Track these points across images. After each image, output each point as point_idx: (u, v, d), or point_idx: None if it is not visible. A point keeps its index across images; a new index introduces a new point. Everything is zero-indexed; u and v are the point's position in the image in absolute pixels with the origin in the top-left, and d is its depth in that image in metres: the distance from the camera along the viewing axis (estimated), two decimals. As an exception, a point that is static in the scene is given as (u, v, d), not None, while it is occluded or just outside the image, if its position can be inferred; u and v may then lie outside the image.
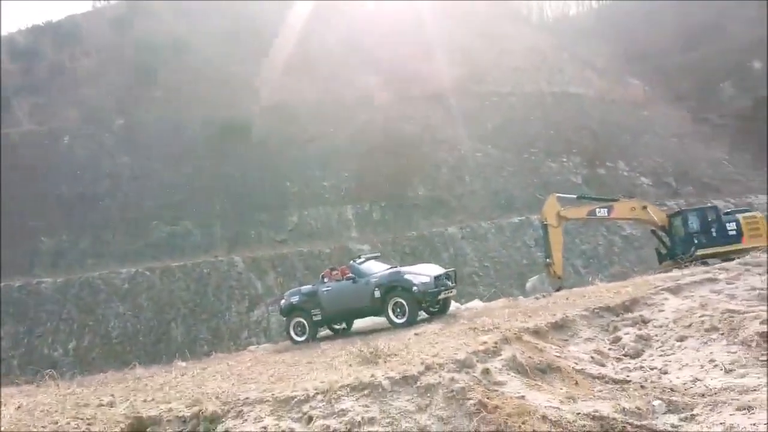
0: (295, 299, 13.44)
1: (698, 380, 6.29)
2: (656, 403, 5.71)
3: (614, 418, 5.45)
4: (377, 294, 12.05)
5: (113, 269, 28.45)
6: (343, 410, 6.04)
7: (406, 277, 11.99)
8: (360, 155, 34.18)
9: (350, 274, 12.88)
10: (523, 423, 5.36)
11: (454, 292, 12.84)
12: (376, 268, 13.05)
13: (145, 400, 7.26)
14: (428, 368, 6.54)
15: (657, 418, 5.50)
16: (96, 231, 30.23)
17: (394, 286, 12.01)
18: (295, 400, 6.41)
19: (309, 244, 30.46)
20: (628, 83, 45.50)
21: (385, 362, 7.15)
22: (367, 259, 13.81)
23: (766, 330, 6.62)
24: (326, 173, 33.89)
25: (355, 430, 5.74)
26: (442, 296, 12.18)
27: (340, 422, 5.87)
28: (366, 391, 6.27)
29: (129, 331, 26.60)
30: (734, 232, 20.20)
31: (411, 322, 11.50)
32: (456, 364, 6.63)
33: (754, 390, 5.66)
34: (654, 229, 22.06)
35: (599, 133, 38.03)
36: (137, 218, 30.58)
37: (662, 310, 8.17)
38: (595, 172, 35.55)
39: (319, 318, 13.00)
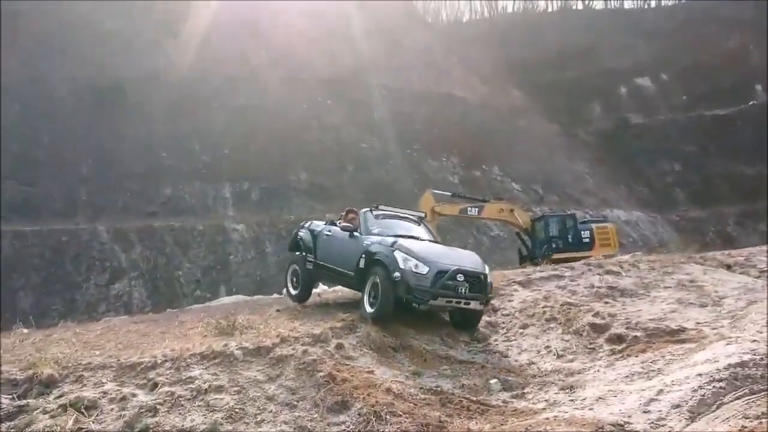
0: (301, 233, 10.29)
1: (533, 363, 6.83)
2: (492, 381, 6.13)
3: (453, 393, 5.79)
4: (362, 263, 8.45)
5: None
6: (190, 377, 5.93)
7: (396, 254, 7.93)
8: (242, 133, 33.30)
9: (349, 225, 9.32)
10: (368, 395, 5.54)
11: (477, 304, 8.01)
12: (391, 230, 9.12)
13: (-28, 362, 6.70)
14: (283, 340, 6.59)
15: (492, 394, 5.90)
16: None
17: (377, 260, 8.18)
18: (142, 366, 6.20)
19: (181, 220, 29.30)
20: (508, 92, 47.85)
21: (242, 334, 7.11)
22: (395, 217, 9.84)
23: (595, 321, 7.31)
24: (205, 148, 32.71)
25: (201, 396, 5.66)
26: (444, 303, 7.84)
27: (186, 389, 5.76)
28: (217, 360, 6.21)
29: (-33, 297, 24.22)
30: (588, 240, 21.96)
31: (380, 317, 7.70)
32: (311, 338, 6.74)
33: (579, 372, 6.24)
34: (518, 231, 23.48)
35: (478, 137, 39.68)
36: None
37: (511, 300, 8.76)
38: (472, 174, 37.15)
39: (311, 267, 9.77)
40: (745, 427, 3.98)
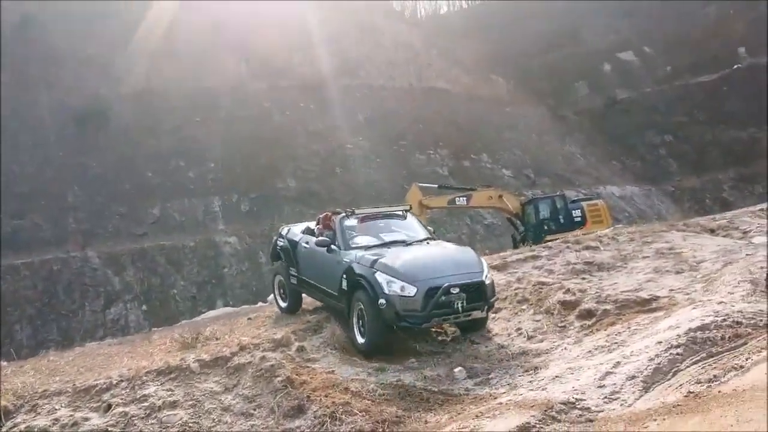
0: (280, 243, 9.22)
1: (503, 347, 6.62)
2: (457, 370, 5.92)
3: (415, 386, 5.60)
4: (344, 284, 7.32)
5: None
6: (145, 396, 5.76)
7: (378, 276, 6.83)
8: (228, 145, 33.16)
9: (325, 237, 8.03)
10: (326, 396, 5.35)
11: (479, 313, 6.97)
12: (373, 236, 8.03)
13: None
14: (242, 348, 6.40)
15: (456, 383, 5.70)
16: None
17: (358, 283, 7.07)
18: (96, 388, 6.03)
19: (172, 238, 29.12)
20: (492, 81, 47.61)
21: (203, 346, 6.93)
22: (377, 217, 8.61)
23: (566, 299, 7.10)
24: (191, 164, 32.54)
25: (154, 414, 5.48)
26: (441, 321, 6.90)
27: (140, 408, 5.59)
28: (173, 375, 6.03)
29: (-36, 337, 24.09)
30: (579, 219, 21.75)
31: (371, 350, 6.85)
32: (272, 343, 6.56)
33: (546, 352, 6.04)
34: (509, 217, 23.29)
35: (465, 127, 39.49)
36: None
37: (484, 286, 8.50)
38: (461, 165, 36.92)
39: (294, 282, 8.73)
40: (692, 392, 3.78)
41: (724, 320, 4.87)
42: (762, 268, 6.87)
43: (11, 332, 24.71)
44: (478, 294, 6.87)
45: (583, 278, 8.50)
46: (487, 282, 7.05)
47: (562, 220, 21.75)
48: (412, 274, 6.77)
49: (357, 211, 8.52)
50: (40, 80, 34.20)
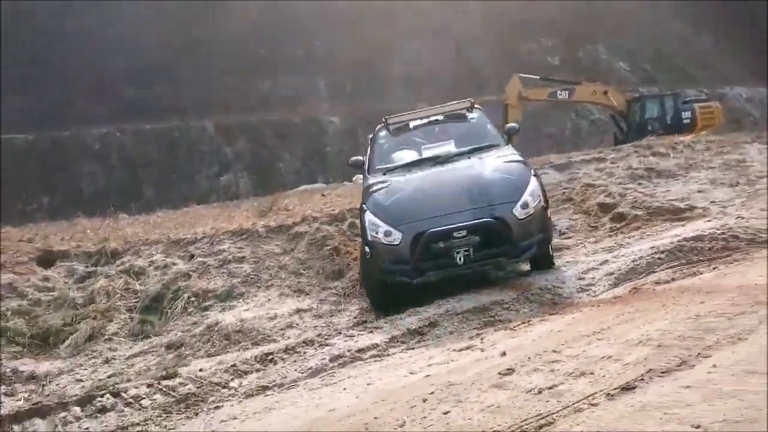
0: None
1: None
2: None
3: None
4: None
5: (84, 129, 28.81)
6: (220, 250, 6.98)
7: (366, 216, 5.38)
8: (335, 24, 33.58)
9: (358, 158, 6.79)
10: (363, 263, 6.29)
11: (502, 261, 5.26)
12: (410, 149, 6.40)
13: (63, 239, 8.16)
14: (303, 219, 7.44)
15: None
16: (64, 92, 29.92)
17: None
18: (185, 241, 7.33)
19: (278, 113, 30.75)
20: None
21: (275, 215, 8.05)
22: (422, 125, 6.73)
23: (604, 201, 7.48)
24: (299, 41, 33.44)
25: (225, 265, 6.70)
26: (445, 272, 5.09)
27: (215, 260, 6.83)
28: (244, 236, 7.20)
29: (101, 188, 27.44)
30: (689, 121, 20.75)
31: (374, 305, 5.52)
32: (329, 217, 7.53)
33: (568, 248, 6.56)
34: (613, 114, 22.57)
35: (581, 15, 37.15)
36: (106, 80, 30.33)
37: (536, 183, 8.95)
38: (573, 55, 35.31)
39: None
40: (636, 288, 4.28)
41: (723, 234, 5.17)
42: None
43: (140, 189, 27.79)
44: (499, 236, 4.91)
45: (639, 183, 8.71)
46: (522, 217, 4.96)
47: (669, 121, 20.83)
48: (399, 215, 5.15)
49: (391, 120, 6.79)
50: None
